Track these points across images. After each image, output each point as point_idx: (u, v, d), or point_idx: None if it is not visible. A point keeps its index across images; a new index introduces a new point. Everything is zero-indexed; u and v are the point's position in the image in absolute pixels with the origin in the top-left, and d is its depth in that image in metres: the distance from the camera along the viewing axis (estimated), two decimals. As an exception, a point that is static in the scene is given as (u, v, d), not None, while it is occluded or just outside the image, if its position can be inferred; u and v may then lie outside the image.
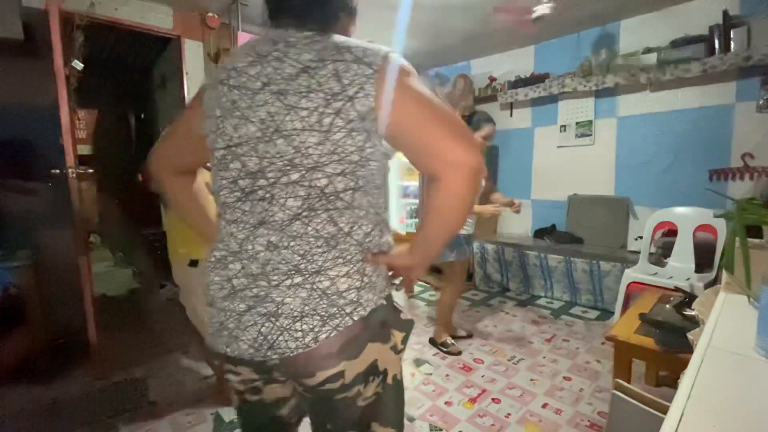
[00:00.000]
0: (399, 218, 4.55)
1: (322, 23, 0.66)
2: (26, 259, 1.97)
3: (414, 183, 4.32)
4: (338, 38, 0.62)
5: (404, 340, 0.72)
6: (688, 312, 1.43)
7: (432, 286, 3.62)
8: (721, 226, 2.32)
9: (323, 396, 0.64)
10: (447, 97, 4.02)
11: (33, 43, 2.09)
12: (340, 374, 0.61)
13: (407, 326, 0.73)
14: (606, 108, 3.24)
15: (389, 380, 0.70)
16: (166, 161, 0.79)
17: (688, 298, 1.59)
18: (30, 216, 2.21)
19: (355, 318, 0.61)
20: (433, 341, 2.40)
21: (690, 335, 0.94)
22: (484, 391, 1.90)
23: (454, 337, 2.40)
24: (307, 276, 0.60)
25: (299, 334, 0.59)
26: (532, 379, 1.99)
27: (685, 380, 0.58)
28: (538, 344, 2.40)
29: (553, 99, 3.50)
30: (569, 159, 3.49)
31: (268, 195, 0.61)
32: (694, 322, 1.12)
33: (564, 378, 2.00)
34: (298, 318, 0.60)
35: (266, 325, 0.61)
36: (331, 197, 0.60)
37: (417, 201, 4.25)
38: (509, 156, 3.91)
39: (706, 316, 0.86)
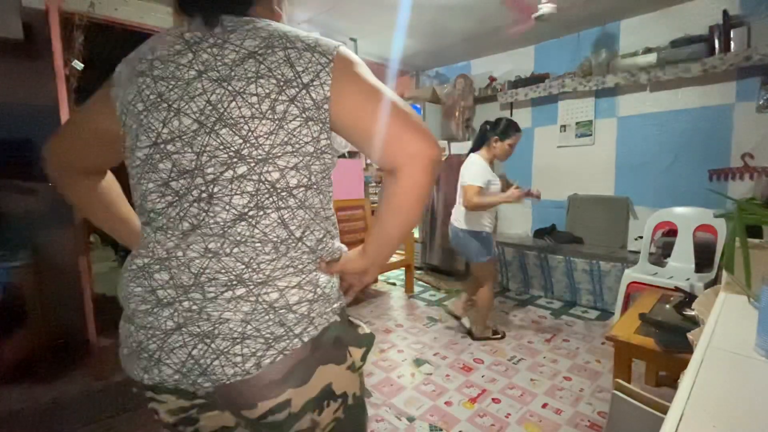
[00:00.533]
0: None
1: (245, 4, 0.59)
2: (26, 259, 1.97)
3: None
4: (284, 26, 0.57)
5: (364, 356, 0.65)
6: (688, 312, 1.44)
7: (432, 286, 3.62)
8: (721, 226, 2.32)
9: (271, 429, 0.56)
10: (447, 97, 4.03)
11: (33, 43, 2.09)
12: (286, 403, 0.54)
13: (367, 341, 0.66)
14: (606, 108, 3.24)
15: (350, 401, 0.62)
16: (66, 162, 0.68)
17: (688, 298, 1.59)
18: (30, 216, 2.21)
19: (305, 339, 0.55)
20: (477, 338, 2.46)
21: (690, 335, 0.94)
22: (484, 391, 1.90)
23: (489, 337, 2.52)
24: (251, 287, 0.53)
25: (239, 359, 0.52)
26: (532, 379, 1.99)
27: (685, 380, 0.58)
28: (538, 344, 2.40)
29: (553, 99, 3.50)
30: (569, 159, 3.49)
31: (205, 194, 0.54)
32: (694, 322, 1.12)
33: (564, 378, 2.00)
34: (238, 340, 0.52)
35: (199, 347, 0.53)
36: (283, 194, 0.55)
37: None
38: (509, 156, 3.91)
39: (706, 316, 0.86)
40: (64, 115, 1.90)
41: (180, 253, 0.55)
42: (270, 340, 0.53)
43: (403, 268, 3.51)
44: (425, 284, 3.71)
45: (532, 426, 1.63)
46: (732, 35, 2.49)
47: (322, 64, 0.54)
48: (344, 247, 0.68)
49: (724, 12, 2.52)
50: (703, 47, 2.60)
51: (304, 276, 0.57)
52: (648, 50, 2.88)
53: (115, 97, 0.59)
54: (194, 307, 0.53)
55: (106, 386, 1.96)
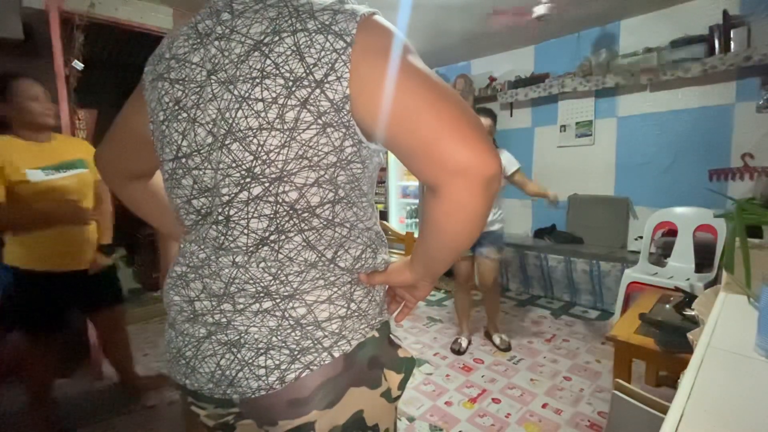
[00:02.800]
0: (399, 218, 4.55)
1: None
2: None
3: (414, 183, 4.32)
4: (301, 1, 0.45)
5: (402, 385, 0.56)
6: (688, 312, 1.43)
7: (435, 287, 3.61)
8: (721, 226, 2.32)
9: None
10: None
11: (33, 43, 2.09)
12: (310, 426, 0.48)
13: (407, 366, 0.57)
14: (606, 108, 3.24)
15: None
16: (113, 167, 0.66)
17: (688, 298, 1.59)
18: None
19: (336, 354, 0.49)
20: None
21: (690, 335, 0.94)
22: (484, 391, 1.90)
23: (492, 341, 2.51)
24: (278, 301, 0.49)
25: (262, 371, 0.48)
26: (532, 379, 1.99)
27: (685, 380, 0.58)
28: (538, 344, 2.40)
29: (553, 99, 3.50)
30: (569, 159, 3.49)
31: (222, 217, 0.48)
32: (694, 322, 1.12)
33: (564, 378, 2.00)
34: (262, 351, 0.48)
35: (226, 356, 0.50)
36: (305, 215, 0.47)
37: (417, 201, 4.25)
38: (509, 156, 3.91)
39: (706, 316, 0.86)
40: (64, 115, 1.90)
41: (212, 263, 0.52)
42: (296, 352, 0.48)
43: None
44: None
45: (532, 426, 1.63)
46: (732, 35, 2.49)
47: (337, 51, 0.42)
48: (391, 259, 0.61)
49: (724, 12, 2.52)
50: (703, 47, 2.60)
51: (336, 289, 0.51)
52: (648, 50, 2.88)
53: (146, 100, 0.54)
54: (223, 320, 0.51)
55: (106, 386, 1.96)
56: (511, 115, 3.85)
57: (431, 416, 1.71)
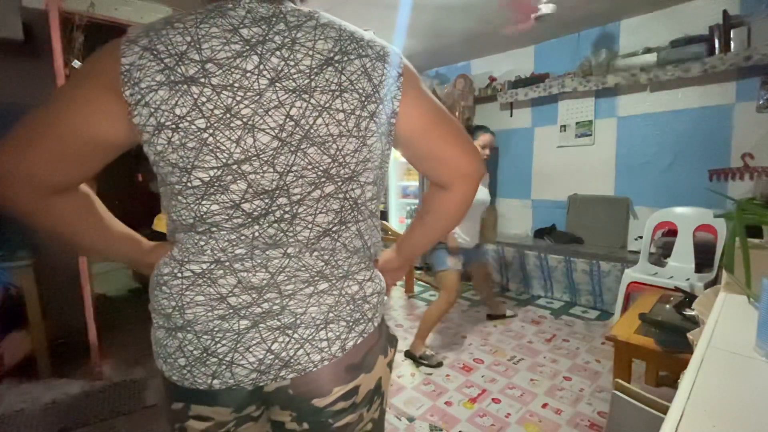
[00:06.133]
0: (399, 218, 4.56)
1: None
2: (26, 259, 1.97)
3: (414, 183, 4.32)
4: (346, 24, 0.55)
5: (394, 357, 0.68)
6: (688, 312, 1.43)
7: (431, 286, 3.62)
8: (721, 226, 2.32)
9: (321, 424, 0.56)
10: (447, 97, 4.03)
11: (33, 43, 2.09)
12: (355, 390, 0.56)
13: (396, 342, 0.68)
14: (606, 108, 3.24)
15: (384, 403, 0.65)
16: (35, 179, 0.48)
17: (688, 298, 1.59)
18: (30, 216, 2.21)
19: (376, 324, 0.60)
20: (410, 355, 2.23)
21: (690, 335, 0.94)
22: (484, 391, 1.90)
23: (502, 317, 2.75)
24: (333, 281, 0.56)
25: (324, 344, 0.54)
26: (532, 379, 1.99)
27: (685, 380, 0.58)
28: (538, 344, 2.40)
29: (553, 99, 3.50)
30: (569, 159, 3.49)
31: (287, 215, 0.52)
32: (694, 322, 1.12)
33: (564, 378, 2.00)
34: (321, 326, 0.54)
35: (279, 339, 0.53)
36: (362, 207, 0.58)
37: (417, 201, 4.26)
38: (509, 156, 3.91)
39: (706, 316, 0.86)
40: (64, 115, 1.90)
41: (255, 257, 0.52)
42: (351, 323, 0.56)
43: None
44: (425, 284, 3.71)
45: (532, 426, 1.63)
46: (732, 35, 2.49)
47: (393, 78, 0.54)
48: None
49: (724, 12, 2.52)
50: (703, 47, 2.60)
51: (372, 271, 0.61)
52: (648, 50, 2.88)
53: (136, 101, 0.46)
54: (275, 307, 0.53)
55: (106, 386, 1.96)
56: (511, 115, 3.85)
57: (431, 416, 1.71)
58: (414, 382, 1.99)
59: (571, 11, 2.83)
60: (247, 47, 0.47)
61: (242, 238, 0.52)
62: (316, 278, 0.55)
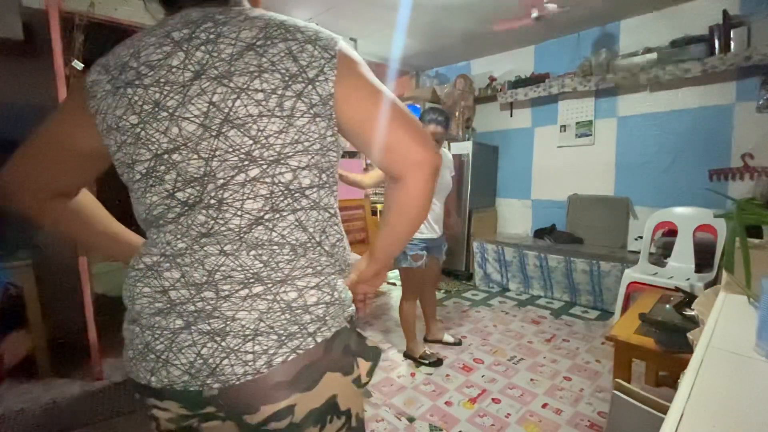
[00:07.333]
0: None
1: None
2: (26, 259, 1.97)
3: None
4: (280, 15, 0.55)
5: (370, 372, 0.61)
6: (688, 312, 1.43)
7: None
8: (721, 226, 2.32)
9: None
10: (447, 97, 4.03)
11: (33, 43, 2.09)
12: (290, 409, 0.51)
13: (374, 355, 0.62)
14: (606, 108, 3.24)
15: (353, 422, 0.59)
16: (37, 186, 0.61)
17: (688, 298, 1.59)
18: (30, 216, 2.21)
19: (318, 340, 0.53)
20: (409, 356, 2.22)
21: (690, 335, 0.94)
22: (484, 391, 1.90)
23: (442, 343, 2.36)
24: (269, 285, 0.52)
25: (249, 356, 0.50)
26: (532, 379, 1.99)
27: (685, 380, 0.58)
28: (538, 344, 2.40)
29: (553, 99, 3.50)
30: (569, 159, 3.49)
31: (214, 201, 0.51)
32: (694, 322, 1.12)
33: (564, 378, 2.00)
34: (250, 337, 0.50)
35: (208, 345, 0.50)
36: (297, 194, 0.53)
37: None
38: (509, 156, 3.92)
39: (706, 316, 0.86)
40: (64, 115, 1.90)
41: (194, 252, 0.52)
42: (283, 338, 0.51)
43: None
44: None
45: (532, 426, 1.63)
46: (732, 35, 2.49)
47: (325, 59, 0.52)
48: (356, 256, 0.69)
49: (724, 12, 2.52)
50: (703, 47, 2.60)
51: (323, 278, 0.56)
52: (648, 50, 2.88)
53: (95, 111, 0.53)
54: (207, 307, 0.51)
55: (106, 386, 1.96)
56: (511, 115, 3.86)
57: (431, 416, 1.71)
58: (414, 382, 1.99)
59: (571, 11, 2.83)
60: (176, 46, 0.51)
61: (180, 228, 0.53)
62: (252, 280, 0.51)
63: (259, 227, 0.52)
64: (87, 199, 0.67)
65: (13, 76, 2.17)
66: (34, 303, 1.98)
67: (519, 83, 3.61)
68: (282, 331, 0.51)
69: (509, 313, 2.96)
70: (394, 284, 3.75)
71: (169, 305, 0.52)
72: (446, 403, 1.81)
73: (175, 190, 0.52)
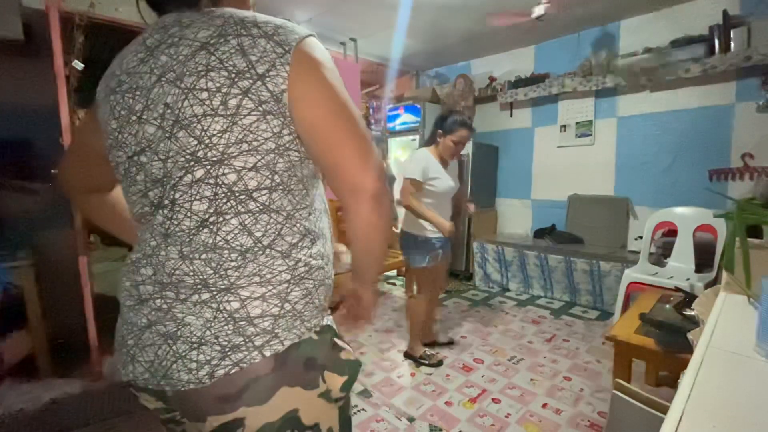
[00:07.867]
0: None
1: None
2: (26, 259, 1.97)
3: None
4: (242, 12, 0.53)
5: (345, 386, 0.57)
6: (688, 312, 1.43)
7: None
8: (721, 226, 2.32)
9: None
10: (447, 97, 4.03)
11: (33, 43, 2.08)
12: (239, 422, 0.50)
13: (350, 368, 0.58)
14: (606, 108, 3.24)
15: None
16: (76, 180, 0.71)
17: (688, 298, 1.59)
18: (30, 216, 2.21)
19: (266, 354, 0.50)
20: (409, 356, 2.22)
21: (690, 335, 0.94)
22: (484, 391, 1.90)
23: (437, 344, 2.33)
24: (215, 293, 0.50)
25: (193, 365, 0.49)
26: (532, 379, 1.99)
27: (685, 380, 0.58)
28: (538, 344, 2.40)
29: (553, 99, 3.50)
30: (569, 159, 3.49)
31: (168, 202, 0.52)
32: (694, 322, 1.12)
33: (564, 378, 2.00)
34: (195, 345, 0.50)
35: (163, 347, 0.51)
36: (242, 197, 0.51)
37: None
38: (509, 156, 3.92)
39: (706, 316, 0.86)
40: (64, 115, 1.90)
41: (162, 252, 0.53)
42: (226, 349, 0.49)
43: (403, 268, 3.50)
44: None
45: (532, 426, 1.63)
46: (732, 35, 2.49)
47: (277, 53, 0.50)
48: (342, 247, 0.68)
49: (724, 12, 2.52)
50: (703, 47, 2.60)
51: (270, 288, 0.52)
52: (648, 50, 2.88)
53: (98, 118, 0.59)
54: (164, 306, 0.52)
55: (106, 386, 1.96)
56: (511, 115, 3.86)
57: (431, 416, 1.71)
58: (414, 382, 1.99)
59: (571, 11, 2.83)
60: (148, 53, 0.53)
61: (151, 227, 0.56)
62: (199, 286, 0.51)
63: (205, 230, 0.51)
64: (117, 197, 0.73)
65: (13, 76, 2.17)
66: (34, 303, 1.98)
67: (519, 83, 3.61)
68: (225, 343, 0.49)
69: (509, 313, 2.96)
70: (394, 284, 3.75)
71: (139, 301, 0.54)
72: (446, 403, 1.81)
73: (147, 190, 0.54)
